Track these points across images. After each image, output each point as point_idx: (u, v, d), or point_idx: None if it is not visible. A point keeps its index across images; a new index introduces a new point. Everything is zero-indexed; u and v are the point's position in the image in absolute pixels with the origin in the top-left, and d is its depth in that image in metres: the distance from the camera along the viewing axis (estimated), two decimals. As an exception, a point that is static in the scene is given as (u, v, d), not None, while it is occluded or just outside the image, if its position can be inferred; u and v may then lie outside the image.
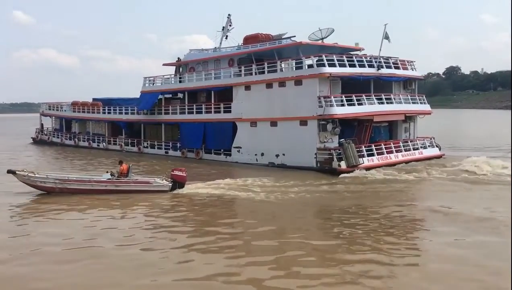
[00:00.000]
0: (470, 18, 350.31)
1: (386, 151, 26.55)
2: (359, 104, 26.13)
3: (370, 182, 21.72)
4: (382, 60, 28.36)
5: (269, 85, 28.02)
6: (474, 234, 12.88)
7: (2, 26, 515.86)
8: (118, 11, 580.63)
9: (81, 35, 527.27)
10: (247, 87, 29.48)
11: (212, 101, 32.48)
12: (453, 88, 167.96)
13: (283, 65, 27.77)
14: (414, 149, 28.60)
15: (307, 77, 25.93)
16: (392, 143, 27.38)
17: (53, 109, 52.95)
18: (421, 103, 30.50)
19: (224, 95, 31.52)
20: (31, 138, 54.90)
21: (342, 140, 25.05)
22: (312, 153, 25.39)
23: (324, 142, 25.34)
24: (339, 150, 24.61)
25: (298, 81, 26.42)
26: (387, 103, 27.72)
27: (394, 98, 28.35)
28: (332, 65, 25.74)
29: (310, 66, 26.04)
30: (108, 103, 43.76)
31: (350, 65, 26.54)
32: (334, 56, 26.29)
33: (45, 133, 53.58)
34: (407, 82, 30.61)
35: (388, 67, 28.74)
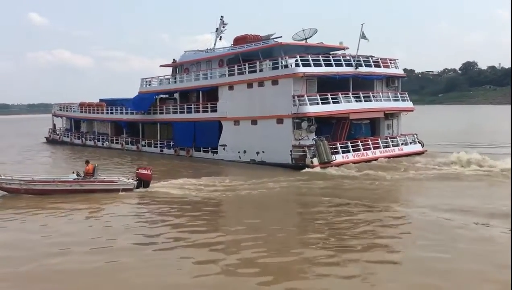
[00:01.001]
0: (486, 12, 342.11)
1: (363, 148, 26.86)
2: (334, 103, 26.50)
3: (332, 178, 22.22)
4: (361, 58, 28.67)
5: (249, 85, 28.66)
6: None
7: (19, 28, 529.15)
8: (131, 12, 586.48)
9: (94, 36, 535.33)
10: (231, 87, 30.17)
11: (201, 101, 33.25)
12: (470, 84, 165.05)
13: (263, 66, 28.21)
14: (394, 145, 28.78)
15: (282, 77, 26.48)
16: (370, 140, 27.64)
17: (64, 110, 54.60)
18: (403, 100, 30.65)
19: (212, 95, 32.26)
20: (45, 137, 56.74)
21: (315, 137, 25.47)
22: (287, 151, 25.92)
23: (299, 139, 25.82)
24: (313, 148, 25.06)
25: (274, 81, 26.99)
26: (365, 101, 27.98)
27: (373, 96, 28.58)
28: (307, 65, 26.17)
29: (285, 66, 26.47)
30: (113, 103, 44.92)
31: (326, 65, 26.90)
32: (309, 56, 26.72)
33: (57, 133, 55.35)
34: (389, 80, 30.84)
35: (368, 65, 28.97)
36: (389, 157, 27.32)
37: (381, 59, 30.27)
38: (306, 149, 25.16)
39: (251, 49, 31.09)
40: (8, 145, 48.80)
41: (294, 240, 12.81)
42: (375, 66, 29.48)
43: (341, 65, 27.65)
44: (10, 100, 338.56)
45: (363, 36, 27.71)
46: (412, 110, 31.03)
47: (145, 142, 38.88)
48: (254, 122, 28.33)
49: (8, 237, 13.66)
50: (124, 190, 19.13)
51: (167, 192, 19.28)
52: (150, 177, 19.81)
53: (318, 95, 26.24)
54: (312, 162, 24.67)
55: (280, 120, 26.49)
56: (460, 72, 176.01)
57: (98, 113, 46.37)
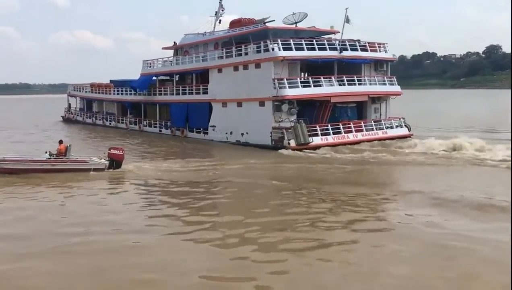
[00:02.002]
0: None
1: (344, 131, 27.06)
2: (316, 86, 26.71)
3: (304, 159, 22.77)
4: (347, 43, 28.69)
5: (236, 68, 29.10)
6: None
7: (41, 9, 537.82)
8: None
9: (115, 17, 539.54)
10: (219, 70, 30.67)
11: (193, 83, 33.88)
12: (493, 68, 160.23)
13: (248, 49, 28.52)
14: (378, 129, 28.86)
15: (264, 61, 26.81)
16: (352, 123, 27.80)
17: (77, 90, 56.14)
18: (390, 84, 30.54)
19: (204, 77, 32.83)
20: (61, 116, 58.60)
21: (293, 120, 25.83)
22: (268, 132, 26.37)
23: (279, 121, 26.22)
24: (290, 130, 25.45)
25: (257, 65, 27.35)
26: (349, 84, 28.06)
27: (357, 80, 28.59)
28: (288, 49, 26.38)
29: (266, 50, 26.75)
30: (122, 84, 45.86)
31: (309, 49, 27.07)
32: (291, 40, 26.87)
33: (72, 112, 57.06)
34: (377, 64, 30.75)
35: (354, 49, 28.95)
36: (371, 140, 27.43)
37: (369, 43, 30.18)
38: (284, 131, 25.56)
39: (242, 33, 31.38)
40: (21, 124, 50.63)
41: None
42: (362, 50, 29.43)
43: (325, 49, 27.75)
44: (32, 80, 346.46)
45: (347, 20, 27.77)
46: (399, 94, 30.92)
47: (146, 123, 39.88)
48: (239, 104, 28.83)
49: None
50: (95, 170, 19.14)
51: (135, 172, 19.55)
52: (121, 158, 19.75)
53: (298, 78, 26.49)
54: (289, 143, 25.09)
55: (262, 103, 26.91)
56: (483, 55, 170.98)
57: (106, 93, 47.58)
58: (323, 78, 27.16)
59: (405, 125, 30.43)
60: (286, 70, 26.76)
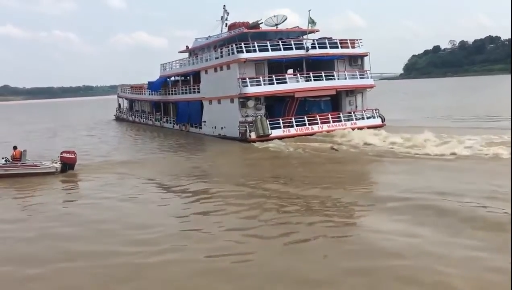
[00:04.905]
0: None
1: (308, 123, 28.59)
2: (279, 83, 28.48)
3: (256, 150, 24.79)
4: (315, 42, 30.20)
5: (215, 69, 31.54)
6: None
7: (100, 14, 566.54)
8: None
9: (169, 17, 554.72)
10: (206, 71, 33.28)
11: (191, 83, 36.85)
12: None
13: (223, 52, 30.85)
14: (347, 120, 29.97)
15: (231, 62, 28.99)
16: (318, 116, 29.16)
17: (123, 92, 61.38)
18: (361, 78, 31.40)
19: (198, 78, 35.61)
20: (114, 115, 64.35)
21: (253, 114, 27.80)
22: (237, 126, 28.63)
23: (245, 116, 28.31)
24: (252, 123, 27.55)
25: (228, 66, 29.61)
26: (315, 80, 29.47)
27: (325, 76, 29.81)
28: (251, 51, 28.40)
29: (232, 52, 28.91)
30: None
31: (273, 50, 28.84)
32: (255, 42, 28.76)
33: (120, 111, 62.53)
34: (351, 59, 31.76)
35: (323, 47, 30.26)
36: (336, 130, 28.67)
37: (340, 40, 31.27)
38: (247, 124, 27.70)
39: (229, 36, 33.66)
40: (77, 123, 56.76)
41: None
42: (332, 47, 30.63)
43: (291, 48, 29.39)
44: (94, 82, 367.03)
45: (310, 22, 29.17)
46: (372, 87, 31.71)
47: (165, 119, 43.55)
48: (219, 101, 31.29)
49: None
50: (47, 173, 19.14)
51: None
52: (74, 160, 19.81)
53: (261, 77, 28.44)
54: (250, 135, 27.21)
55: (232, 100, 29.15)
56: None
57: (140, 94, 51.99)
58: (287, 75, 28.88)
59: (378, 116, 31.23)
60: (253, 69, 28.78)
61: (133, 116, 54.41)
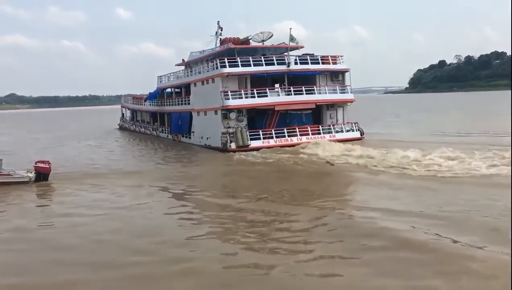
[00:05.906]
0: None
1: (287, 135, 29.75)
2: (260, 97, 29.77)
3: (233, 160, 25.92)
4: (297, 58, 31.55)
5: (203, 82, 32.98)
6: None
7: (108, 25, 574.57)
8: (209, 2, 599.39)
9: (176, 27, 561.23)
10: (195, 84, 34.74)
11: (183, 95, 38.33)
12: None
13: (209, 67, 32.32)
14: (326, 133, 31.07)
15: (215, 76, 30.40)
16: (297, 128, 30.29)
17: (125, 102, 63.23)
18: (342, 92, 32.58)
19: (188, 90, 37.10)
20: (118, 124, 66.15)
21: (235, 126, 29.05)
22: (219, 137, 29.91)
23: (227, 127, 29.57)
24: (232, 134, 28.82)
25: (212, 80, 31.04)
26: (296, 94, 30.70)
27: (305, 90, 31.01)
28: (234, 66, 29.79)
29: (217, 67, 30.32)
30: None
31: (255, 65, 30.18)
32: (238, 58, 30.15)
33: (123, 121, 64.32)
34: (333, 74, 33.01)
35: (304, 63, 31.55)
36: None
37: (321, 56, 32.55)
38: (228, 135, 28.98)
39: (218, 51, 35.16)
40: (80, 132, 58.39)
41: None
42: (313, 63, 31.90)
43: (273, 64, 30.72)
44: (101, 91, 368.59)
45: (291, 39, 30.53)
46: (352, 101, 32.86)
47: (161, 129, 45.04)
48: (205, 113, 32.64)
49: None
50: (20, 183, 19.03)
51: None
52: (48, 170, 19.68)
53: (243, 91, 29.78)
54: (230, 146, 28.48)
55: (216, 112, 30.45)
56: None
57: (140, 104, 53.69)
58: (269, 89, 30.21)
59: (357, 129, 32.32)
60: (236, 83, 30.15)
61: (134, 126, 56.06)
